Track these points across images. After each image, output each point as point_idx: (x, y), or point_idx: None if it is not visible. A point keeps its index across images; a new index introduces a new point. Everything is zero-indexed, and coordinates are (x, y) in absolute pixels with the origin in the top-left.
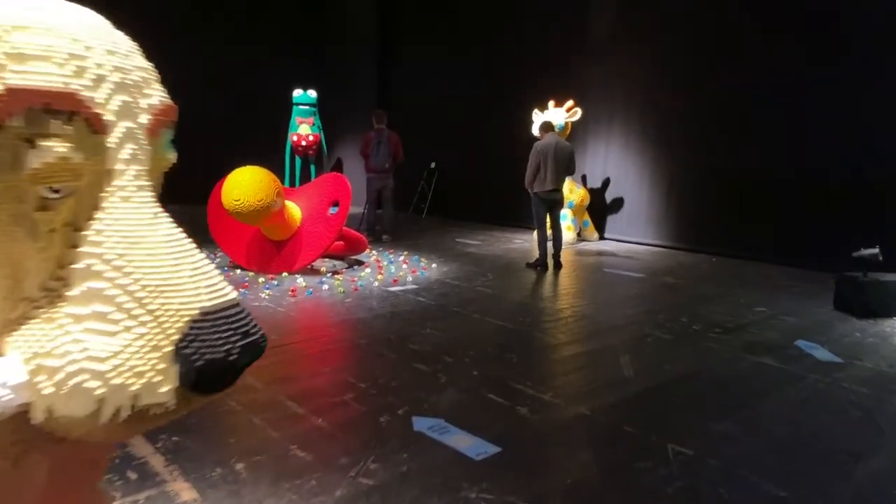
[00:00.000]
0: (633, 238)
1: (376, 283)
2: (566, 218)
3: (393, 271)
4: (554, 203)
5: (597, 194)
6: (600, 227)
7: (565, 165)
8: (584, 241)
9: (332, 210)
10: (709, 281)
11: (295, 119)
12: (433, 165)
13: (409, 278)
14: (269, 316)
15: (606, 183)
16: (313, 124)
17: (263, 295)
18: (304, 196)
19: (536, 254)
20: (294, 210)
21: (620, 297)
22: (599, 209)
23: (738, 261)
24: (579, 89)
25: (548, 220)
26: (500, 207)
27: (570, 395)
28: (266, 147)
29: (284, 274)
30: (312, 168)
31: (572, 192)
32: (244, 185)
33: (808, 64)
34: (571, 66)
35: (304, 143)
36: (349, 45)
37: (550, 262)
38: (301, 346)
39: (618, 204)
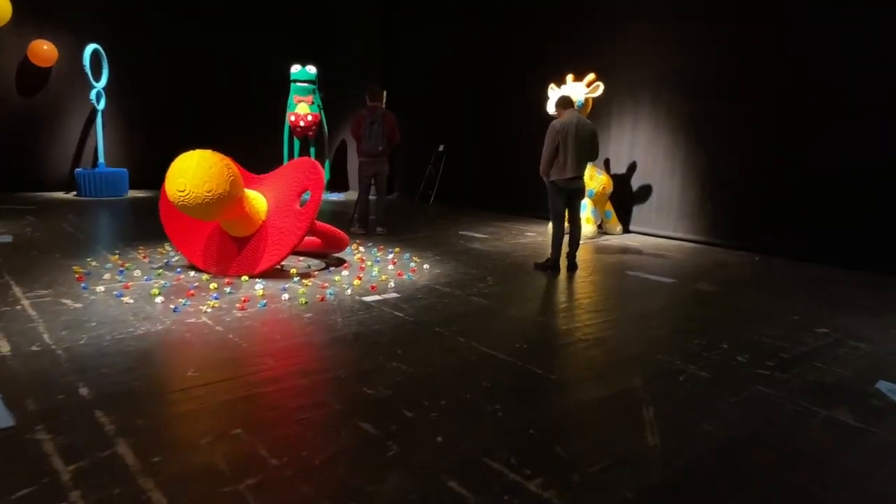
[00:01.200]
0: (662, 231)
1: (349, 291)
2: (585, 209)
3: (374, 274)
4: (574, 193)
5: (621, 181)
6: (624, 219)
7: (588, 148)
8: (605, 234)
9: (307, 197)
10: (753, 288)
11: (293, 97)
12: (441, 149)
13: (392, 284)
14: (196, 340)
15: (632, 169)
16: (312, 103)
17: (206, 308)
18: (269, 185)
19: (549, 251)
20: (258, 201)
21: (645, 312)
22: (624, 198)
23: (788, 261)
24: (601, 62)
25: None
26: (513, 195)
27: (569, 483)
28: (262, 127)
29: (245, 278)
30: (312, 151)
31: (593, 179)
32: (190, 173)
33: (886, 38)
34: (593, 35)
35: (302, 123)
36: (351, 16)
37: (564, 262)
38: (212, 393)
39: (645, 193)
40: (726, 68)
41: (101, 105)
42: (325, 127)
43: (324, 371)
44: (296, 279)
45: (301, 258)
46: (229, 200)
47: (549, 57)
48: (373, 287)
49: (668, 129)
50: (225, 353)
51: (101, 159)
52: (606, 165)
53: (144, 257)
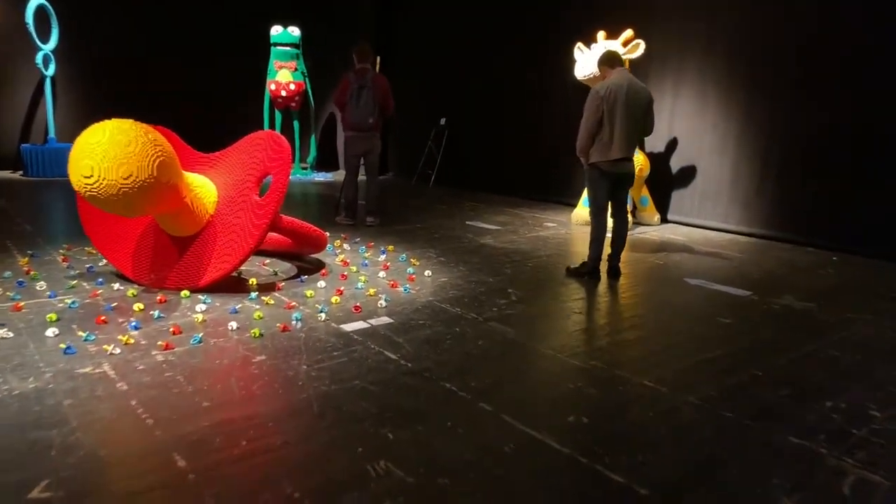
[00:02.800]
0: (709, 222)
1: (324, 315)
2: None
3: (360, 286)
4: (621, 179)
5: (658, 161)
6: (662, 207)
7: (641, 120)
8: (639, 225)
9: (269, 182)
10: (856, 303)
11: (273, 63)
12: (443, 122)
13: (383, 302)
14: (74, 414)
15: (672, 146)
16: (296, 69)
17: (113, 348)
18: (220, 167)
19: (583, 252)
20: (204, 190)
21: (724, 350)
22: (662, 182)
23: (868, 260)
24: (635, 13)
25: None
26: (527, 176)
27: None
28: (238, 97)
29: (186, 293)
30: (296, 124)
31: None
32: (99, 152)
33: None
34: None
35: (284, 92)
36: None
37: (603, 266)
38: None
39: (688, 175)
40: (798, 21)
41: (50, 71)
42: (311, 97)
43: (267, 483)
44: (253, 295)
45: (267, 260)
46: (158, 189)
47: (571, 10)
48: (357, 308)
49: (718, 97)
50: (112, 445)
51: (52, 134)
52: (640, 142)
53: (64, 260)
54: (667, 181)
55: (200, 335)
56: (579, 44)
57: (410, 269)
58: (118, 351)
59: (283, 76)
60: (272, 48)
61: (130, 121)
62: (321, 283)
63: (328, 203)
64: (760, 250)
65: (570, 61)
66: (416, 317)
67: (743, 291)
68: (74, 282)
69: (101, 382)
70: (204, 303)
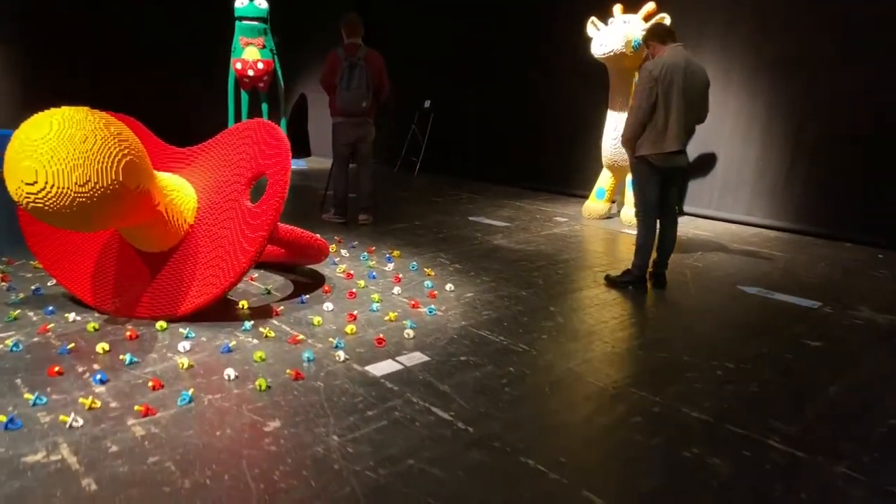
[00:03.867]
0: (731, 215)
1: (342, 353)
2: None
3: (376, 307)
4: (673, 174)
5: None
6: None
7: (698, 106)
8: None
9: (266, 184)
10: None
11: (238, 40)
12: (427, 105)
13: (409, 331)
14: None
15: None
16: (264, 47)
17: (73, 418)
18: (200, 165)
19: (609, 252)
20: (180, 194)
21: (840, 386)
22: None
23: None
24: None
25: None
26: (525, 164)
27: None
28: (198, 78)
29: (162, 324)
30: (264, 107)
31: None
32: (45, 152)
33: None
34: None
35: (251, 72)
36: None
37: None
38: None
39: (707, 164)
40: None
41: None
42: (280, 77)
43: None
44: (247, 325)
45: (255, 273)
46: (125, 197)
47: None
48: (380, 340)
49: (743, 76)
50: None
51: None
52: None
53: (2, 279)
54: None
55: (190, 391)
56: (593, 18)
57: (428, 283)
58: (80, 422)
59: (250, 54)
60: (237, 23)
61: (85, 109)
62: (327, 305)
63: (306, 196)
64: (797, 247)
65: (581, 37)
66: (455, 350)
67: (811, 302)
68: (16, 311)
69: (60, 478)
70: (187, 338)
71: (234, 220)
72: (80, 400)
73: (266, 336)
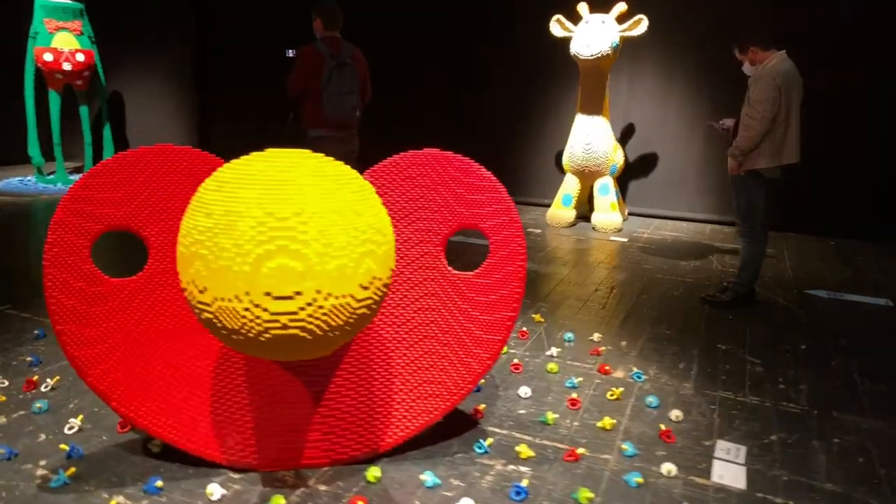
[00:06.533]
0: (669, 212)
1: (670, 465)
2: (609, 191)
3: (574, 385)
4: (775, 185)
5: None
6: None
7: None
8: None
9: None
10: None
11: (43, 23)
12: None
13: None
14: None
15: (629, 132)
16: (81, 33)
17: None
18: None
19: (633, 265)
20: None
21: None
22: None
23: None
24: None
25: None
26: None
27: None
28: None
29: (375, 473)
30: (83, 111)
31: (616, 151)
32: (314, 236)
33: None
34: None
35: (67, 65)
36: None
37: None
38: None
39: (648, 164)
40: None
41: None
42: (102, 74)
43: None
44: (483, 444)
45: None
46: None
47: None
48: (667, 434)
49: (683, 78)
50: None
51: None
52: None
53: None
54: (625, 172)
55: None
56: (559, 17)
57: (568, 335)
58: None
59: (64, 41)
60: (37, 4)
61: (332, 160)
62: (524, 390)
63: None
64: (774, 242)
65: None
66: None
67: (876, 300)
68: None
69: None
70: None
71: (438, 298)
72: None
73: (523, 457)
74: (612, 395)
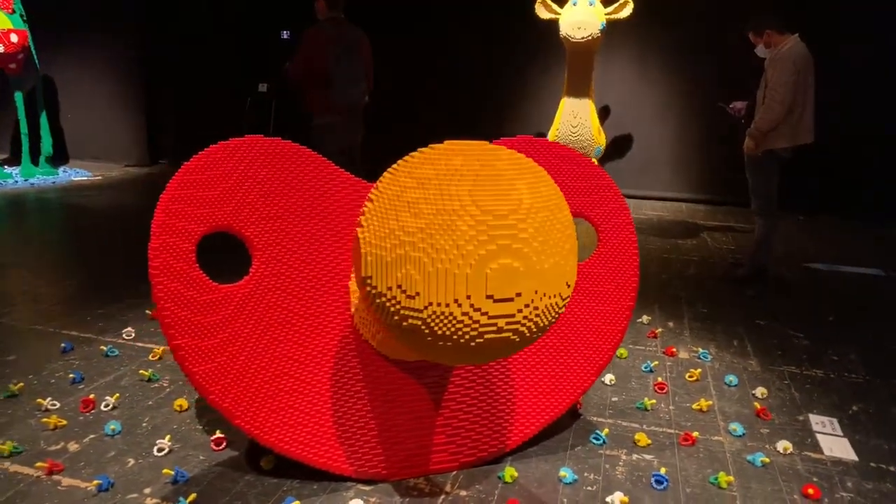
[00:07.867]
0: (650, 192)
1: (786, 442)
2: None
3: (650, 369)
4: (787, 164)
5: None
6: None
7: None
8: None
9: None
10: None
11: None
12: (263, 89)
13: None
14: None
15: (603, 115)
16: (13, 12)
17: None
18: None
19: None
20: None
21: None
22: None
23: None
24: None
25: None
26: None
27: None
28: None
29: (511, 472)
30: (18, 97)
31: (601, 133)
32: (531, 235)
33: None
34: None
35: (0, 47)
36: None
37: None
38: None
39: (623, 145)
40: None
41: None
42: (35, 56)
43: None
44: (601, 435)
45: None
46: None
47: None
48: (764, 412)
49: (658, 61)
50: None
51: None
52: None
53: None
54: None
55: None
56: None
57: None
58: None
59: None
60: None
61: (516, 153)
62: (608, 377)
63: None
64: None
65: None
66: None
67: (871, 270)
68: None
69: None
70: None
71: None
72: None
73: (642, 445)
74: (690, 377)
